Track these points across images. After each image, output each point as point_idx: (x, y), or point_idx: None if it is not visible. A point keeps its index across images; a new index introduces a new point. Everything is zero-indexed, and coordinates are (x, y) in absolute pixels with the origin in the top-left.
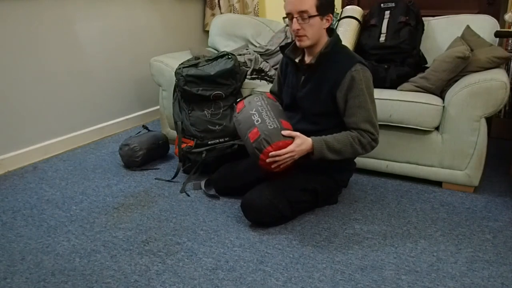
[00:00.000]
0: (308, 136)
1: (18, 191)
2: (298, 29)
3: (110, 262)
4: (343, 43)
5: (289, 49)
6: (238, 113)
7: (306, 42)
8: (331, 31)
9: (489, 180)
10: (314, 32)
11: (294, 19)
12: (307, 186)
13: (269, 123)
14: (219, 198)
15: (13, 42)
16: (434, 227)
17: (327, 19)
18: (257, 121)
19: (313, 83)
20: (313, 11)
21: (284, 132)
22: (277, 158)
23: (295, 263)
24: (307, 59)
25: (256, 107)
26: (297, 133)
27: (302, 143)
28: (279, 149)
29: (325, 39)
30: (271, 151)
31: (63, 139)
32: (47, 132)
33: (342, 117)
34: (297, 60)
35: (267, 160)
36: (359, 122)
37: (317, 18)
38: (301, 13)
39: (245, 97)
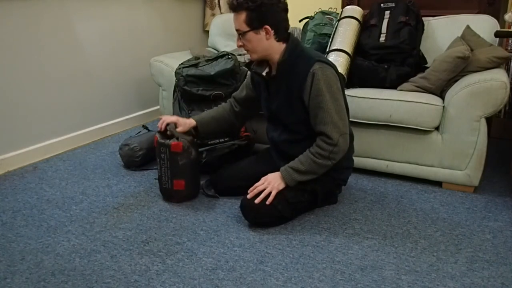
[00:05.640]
0: (295, 144)
1: (18, 191)
2: (240, 46)
3: (110, 262)
4: (343, 43)
5: (255, 63)
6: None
7: (253, 56)
8: (288, 37)
9: (489, 180)
10: (254, 46)
11: (238, 37)
12: (306, 186)
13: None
14: (219, 198)
15: (13, 42)
16: (434, 227)
17: (265, 31)
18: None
19: (282, 94)
20: (244, 28)
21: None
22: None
23: (295, 263)
24: (273, 71)
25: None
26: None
27: (268, 176)
28: None
29: (280, 48)
30: None
31: (63, 139)
32: (47, 132)
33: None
34: (264, 73)
35: None
36: (318, 124)
37: (251, 33)
38: (237, 31)
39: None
